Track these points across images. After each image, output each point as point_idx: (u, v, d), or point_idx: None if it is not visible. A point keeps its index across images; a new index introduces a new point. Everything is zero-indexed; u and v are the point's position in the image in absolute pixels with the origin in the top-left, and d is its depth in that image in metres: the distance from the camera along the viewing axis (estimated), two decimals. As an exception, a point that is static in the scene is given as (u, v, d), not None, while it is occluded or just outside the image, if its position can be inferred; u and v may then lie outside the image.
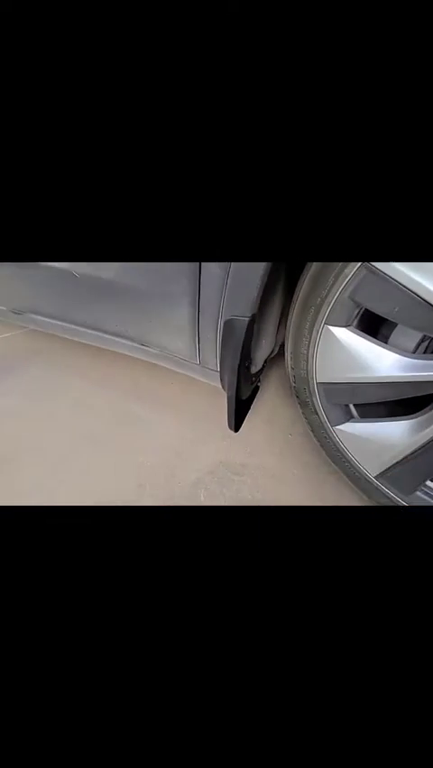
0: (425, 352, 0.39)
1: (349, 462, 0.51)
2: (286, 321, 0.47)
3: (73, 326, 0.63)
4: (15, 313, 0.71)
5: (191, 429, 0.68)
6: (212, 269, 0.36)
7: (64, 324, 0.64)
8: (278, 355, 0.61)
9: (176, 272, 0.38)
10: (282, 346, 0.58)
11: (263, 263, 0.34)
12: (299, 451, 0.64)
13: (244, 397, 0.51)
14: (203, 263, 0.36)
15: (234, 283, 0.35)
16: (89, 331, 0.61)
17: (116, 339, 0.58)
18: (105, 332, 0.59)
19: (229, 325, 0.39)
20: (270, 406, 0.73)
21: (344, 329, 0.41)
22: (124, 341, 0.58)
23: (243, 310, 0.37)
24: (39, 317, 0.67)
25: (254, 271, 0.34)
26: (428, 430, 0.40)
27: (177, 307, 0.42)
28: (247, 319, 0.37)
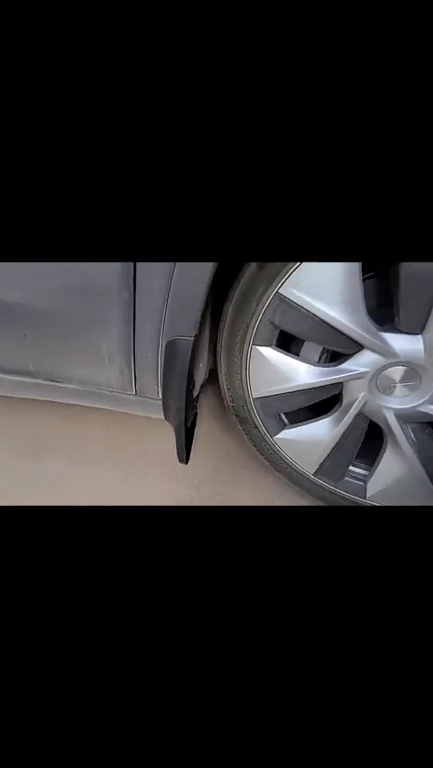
0: (326, 361, 0.50)
1: (291, 467, 0.56)
2: (215, 346, 0.50)
3: None
4: None
5: (121, 482, 0.57)
6: (151, 287, 0.34)
7: None
8: (206, 381, 0.63)
9: (105, 291, 0.34)
10: (212, 371, 0.60)
11: (206, 280, 0.35)
12: (244, 470, 0.65)
13: (189, 425, 0.48)
14: (138, 280, 0.34)
15: (177, 301, 0.35)
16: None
17: (17, 379, 0.44)
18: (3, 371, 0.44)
19: (172, 346, 0.37)
20: (206, 434, 0.72)
21: (268, 348, 0.47)
22: (23, 379, 0.44)
23: (186, 329, 0.37)
24: None
25: (198, 287, 0.35)
26: (341, 424, 0.50)
27: (106, 331, 0.37)
28: (192, 339, 0.37)
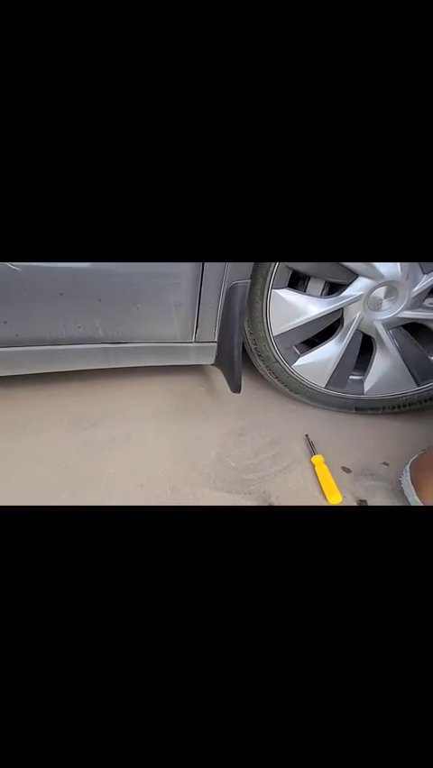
0: (327, 294, 0.63)
1: (307, 386, 0.71)
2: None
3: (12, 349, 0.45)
4: None
5: (177, 411, 0.66)
6: None
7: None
8: None
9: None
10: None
11: None
12: (268, 398, 0.79)
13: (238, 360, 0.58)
14: None
15: None
16: (26, 349, 0.46)
17: (76, 347, 0.48)
18: (58, 342, 0.47)
19: (234, 289, 0.46)
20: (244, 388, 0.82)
21: (284, 290, 0.58)
22: (89, 346, 0.49)
23: (243, 275, 0.45)
24: None
25: None
26: (343, 342, 0.65)
27: (177, 285, 0.43)
28: (249, 281, 0.46)
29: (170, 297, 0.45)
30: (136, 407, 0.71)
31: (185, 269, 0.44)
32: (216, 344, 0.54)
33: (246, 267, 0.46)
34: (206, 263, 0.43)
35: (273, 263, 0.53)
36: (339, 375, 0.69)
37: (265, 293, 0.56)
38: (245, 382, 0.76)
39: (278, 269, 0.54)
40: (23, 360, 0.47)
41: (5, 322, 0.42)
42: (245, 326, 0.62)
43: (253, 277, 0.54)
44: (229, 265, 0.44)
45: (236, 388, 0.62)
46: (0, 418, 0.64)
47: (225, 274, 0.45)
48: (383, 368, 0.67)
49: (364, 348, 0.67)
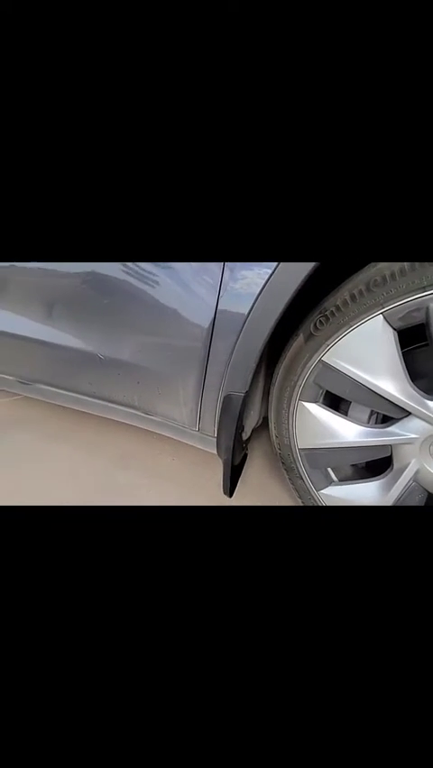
0: (376, 422, 0.51)
1: (336, 527, 0.54)
2: (268, 397, 0.59)
3: (80, 396, 0.69)
4: (22, 383, 0.77)
5: (178, 499, 0.68)
6: (219, 356, 0.49)
7: (71, 394, 0.71)
8: (262, 429, 0.70)
9: (188, 357, 0.51)
10: (265, 418, 0.68)
11: (257, 351, 0.46)
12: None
13: (236, 463, 0.57)
14: (211, 352, 0.49)
15: (235, 365, 0.48)
16: (96, 401, 0.68)
17: (122, 408, 0.65)
18: (113, 402, 0.66)
19: (228, 399, 0.49)
20: (257, 480, 0.77)
21: (313, 404, 0.53)
22: (129, 410, 0.65)
23: (239, 387, 0.48)
24: (46, 387, 0.73)
25: (250, 357, 0.47)
26: (393, 489, 0.48)
27: (186, 384, 0.53)
28: (243, 394, 0.48)
29: (179, 392, 0.55)
30: (165, 466, 0.79)
31: (192, 376, 0.52)
32: (215, 439, 0.56)
33: (242, 382, 0.49)
34: (208, 371, 0.50)
35: (300, 376, 0.52)
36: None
37: (293, 402, 0.54)
38: (275, 488, 0.68)
39: (305, 382, 0.52)
40: (94, 407, 0.70)
41: (90, 384, 0.66)
42: (272, 428, 0.59)
43: (282, 385, 0.54)
44: (226, 376, 0.49)
45: (226, 490, 0.58)
46: (73, 434, 0.91)
47: (223, 382, 0.50)
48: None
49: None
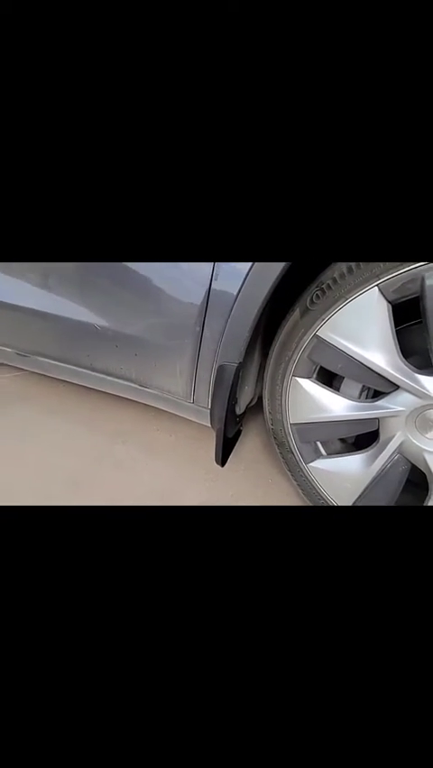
0: (367, 398, 0.53)
1: (321, 496, 0.57)
2: (263, 375, 0.60)
3: (78, 369, 0.70)
4: (20, 355, 0.77)
5: (175, 470, 0.71)
6: (213, 327, 0.49)
7: (69, 366, 0.72)
8: (256, 408, 0.72)
9: (183, 329, 0.51)
10: (261, 398, 0.70)
11: (250, 322, 0.47)
12: (279, 494, 0.68)
13: (230, 435, 0.58)
14: (206, 320, 0.49)
15: (228, 336, 0.48)
16: (94, 373, 0.69)
17: (119, 381, 0.66)
18: (110, 374, 0.67)
19: (222, 369, 0.50)
20: (251, 456, 0.79)
21: (306, 380, 0.54)
22: (126, 383, 0.66)
23: (232, 358, 0.49)
24: (45, 360, 0.74)
25: (243, 327, 0.47)
26: (376, 461, 0.50)
27: (181, 356, 0.54)
28: (236, 365, 0.49)
29: (177, 365, 0.56)
30: (161, 441, 0.81)
31: (188, 347, 0.53)
32: (209, 410, 0.58)
33: (235, 352, 0.49)
34: (202, 346, 0.51)
35: (295, 351, 0.52)
36: (371, 502, 0.51)
37: (286, 378, 0.55)
38: (268, 464, 0.70)
39: (300, 357, 0.53)
40: (91, 380, 0.71)
41: (88, 355, 0.66)
42: (266, 404, 0.61)
43: (277, 361, 0.55)
44: (220, 347, 0.50)
45: (218, 459, 0.60)
46: (63, 403, 0.93)
47: (216, 355, 0.50)
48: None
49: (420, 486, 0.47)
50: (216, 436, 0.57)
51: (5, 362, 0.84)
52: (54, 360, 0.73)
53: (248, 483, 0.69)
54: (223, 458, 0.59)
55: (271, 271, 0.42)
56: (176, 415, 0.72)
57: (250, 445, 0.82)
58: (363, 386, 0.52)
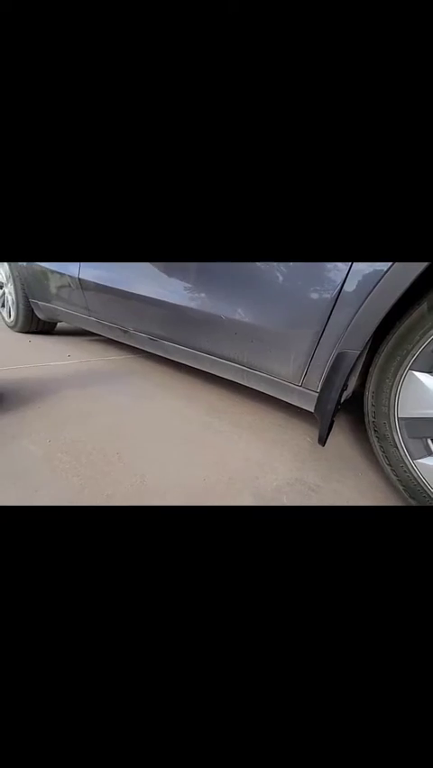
0: None
1: (430, 497, 0.55)
2: (365, 369, 0.62)
3: (197, 353, 0.85)
4: (152, 339, 0.97)
5: (266, 449, 0.78)
6: (340, 317, 0.54)
7: (189, 350, 0.87)
8: (349, 404, 0.73)
9: (309, 319, 0.58)
10: (354, 393, 0.71)
11: (380, 315, 0.50)
12: (370, 487, 0.68)
13: (333, 417, 0.62)
14: (333, 314, 0.55)
15: (355, 325, 0.53)
16: (209, 356, 0.82)
17: (230, 363, 0.78)
18: (223, 357, 0.79)
19: (342, 356, 0.55)
20: (334, 450, 0.81)
21: (426, 374, 0.54)
22: (235, 365, 0.77)
23: (356, 346, 0.54)
24: (170, 344, 0.92)
25: (374, 316, 0.51)
26: None
27: (299, 343, 0.61)
28: (358, 352, 0.53)
29: (292, 349, 0.63)
30: (248, 422, 0.90)
31: (309, 335, 0.59)
32: (317, 394, 0.63)
33: (359, 341, 0.53)
34: (324, 333, 0.56)
35: (417, 345, 0.53)
36: None
37: (401, 371, 0.56)
38: (354, 456, 0.72)
39: (422, 351, 0.53)
40: (206, 362, 0.84)
41: (208, 341, 0.80)
42: (369, 397, 0.63)
43: (391, 353, 0.57)
44: (343, 337, 0.54)
45: (321, 440, 0.64)
46: (173, 383, 1.10)
47: (338, 342, 0.55)
48: None
49: None
50: (324, 417, 0.62)
51: (139, 346, 1.06)
52: (179, 344, 0.90)
53: (336, 473, 0.72)
54: (325, 439, 0.63)
55: (412, 270, 0.45)
56: (258, 401, 0.79)
57: (333, 440, 0.84)
58: None
